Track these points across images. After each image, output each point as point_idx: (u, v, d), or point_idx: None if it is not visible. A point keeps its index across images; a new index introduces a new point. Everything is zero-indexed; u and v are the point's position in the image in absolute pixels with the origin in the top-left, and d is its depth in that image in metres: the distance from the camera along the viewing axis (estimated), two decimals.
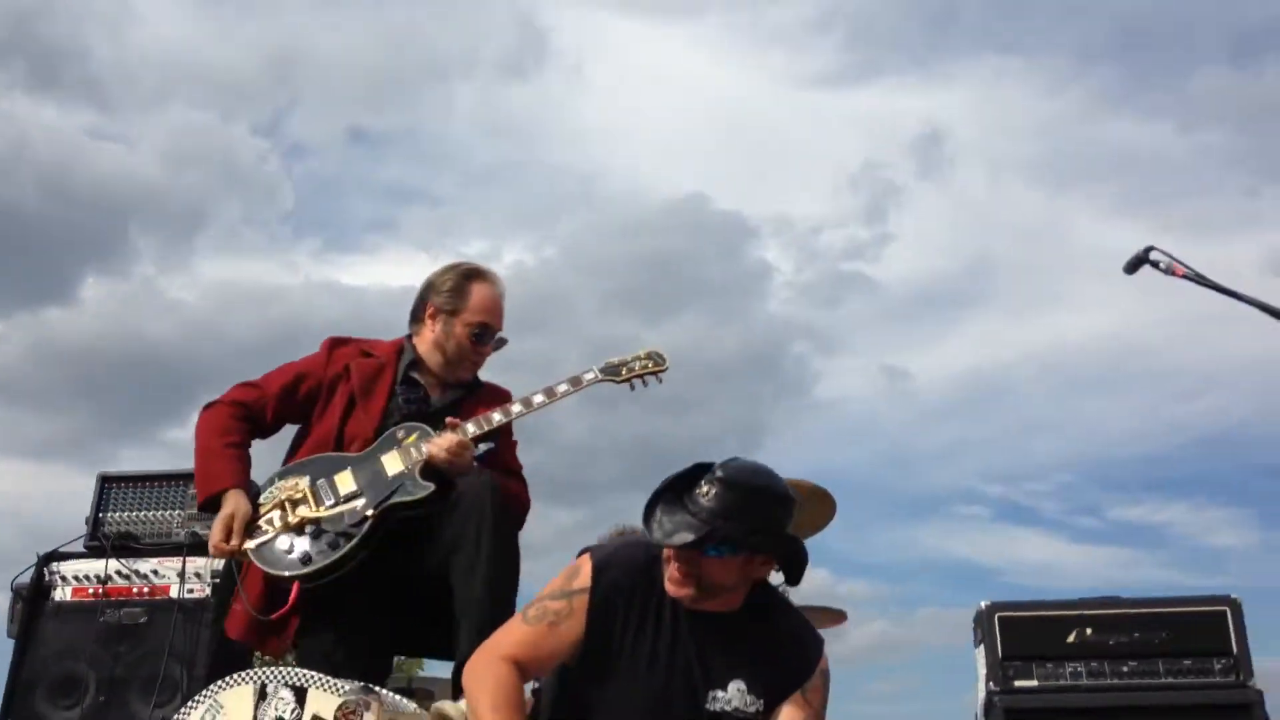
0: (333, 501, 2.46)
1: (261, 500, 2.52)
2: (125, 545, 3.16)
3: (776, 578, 2.10)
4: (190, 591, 3.09)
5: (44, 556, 3.14)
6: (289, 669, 1.94)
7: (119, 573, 3.11)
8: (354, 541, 2.39)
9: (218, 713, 1.92)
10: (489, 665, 1.86)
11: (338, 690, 1.90)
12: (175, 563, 3.12)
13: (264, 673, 1.93)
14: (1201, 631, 3.79)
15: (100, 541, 3.16)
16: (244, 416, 2.62)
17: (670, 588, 1.91)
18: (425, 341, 2.75)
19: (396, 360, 2.73)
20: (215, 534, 2.45)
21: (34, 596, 3.08)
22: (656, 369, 2.70)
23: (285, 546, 2.43)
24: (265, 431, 2.69)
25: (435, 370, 2.73)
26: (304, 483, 2.50)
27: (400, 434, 2.55)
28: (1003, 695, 3.60)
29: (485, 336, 2.74)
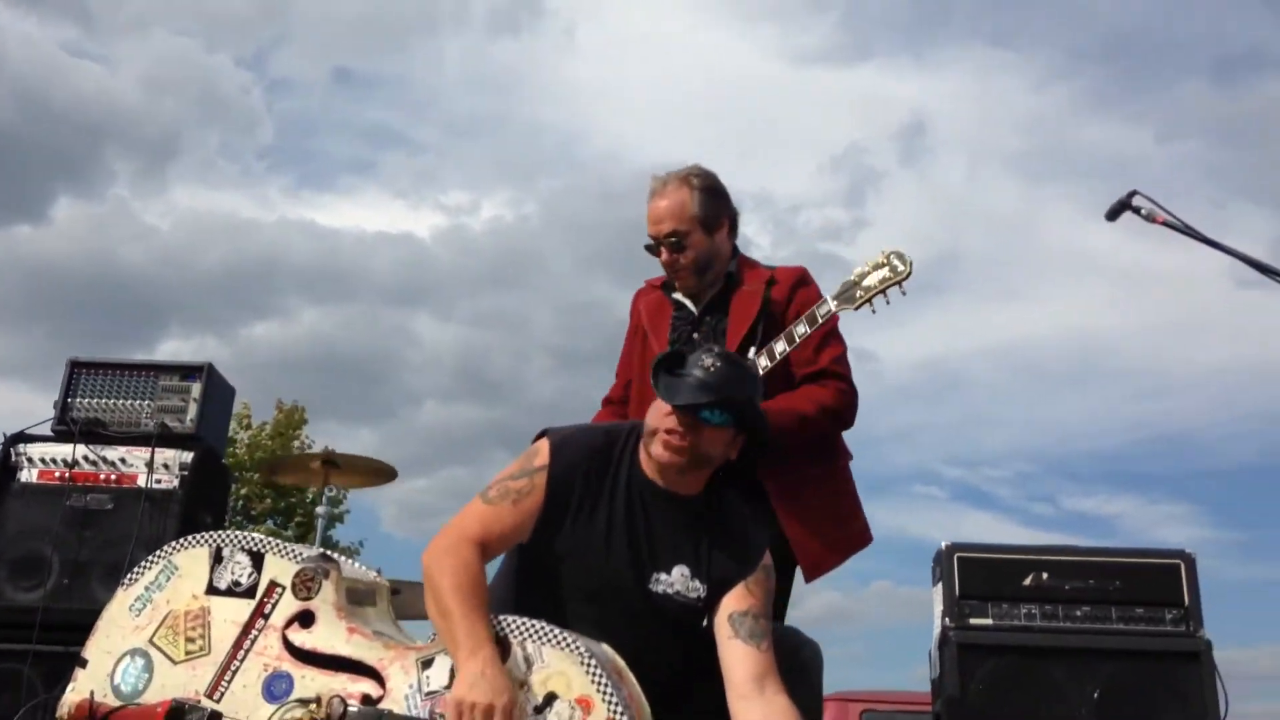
0: None
1: None
2: (93, 431, 3.16)
3: None
4: (158, 482, 3.11)
5: (10, 437, 3.14)
6: (245, 533, 1.95)
7: (86, 458, 3.12)
8: None
9: (173, 573, 1.93)
10: (452, 547, 1.87)
11: (295, 556, 1.91)
12: (143, 452, 3.13)
13: (220, 536, 1.94)
14: (1155, 583, 3.84)
15: (68, 426, 3.16)
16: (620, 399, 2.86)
17: (661, 451, 1.95)
18: None
19: (664, 288, 2.81)
20: None
21: None
22: (897, 279, 2.43)
23: None
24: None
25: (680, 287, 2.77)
26: None
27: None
28: (957, 631, 3.64)
29: (654, 249, 2.70)
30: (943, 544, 4.08)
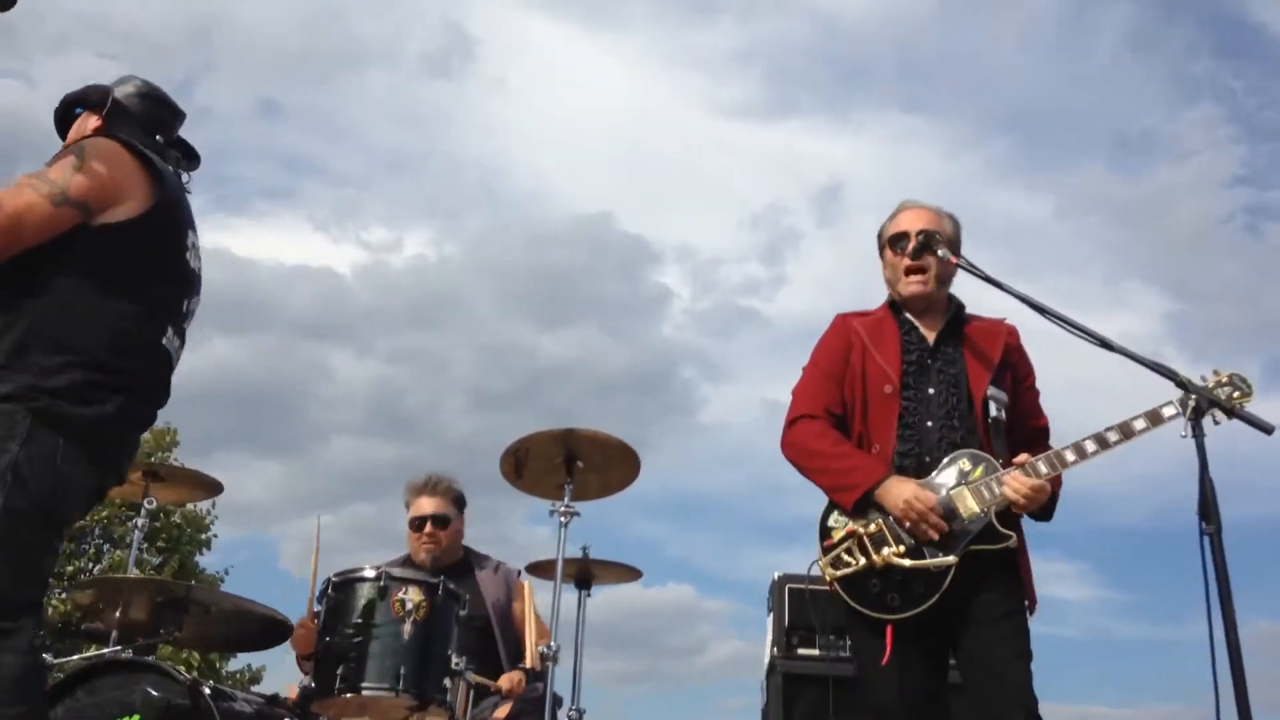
0: (913, 543, 2.50)
1: (832, 524, 2.59)
2: None
3: None
4: None
5: None
6: None
7: None
8: (941, 589, 2.46)
9: None
10: None
11: None
12: None
13: None
14: None
15: None
16: (831, 422, 2.72)
17: None
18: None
19: (889, 311, 2.82)
20: (927, 521, 2.48)
21: None
22: (1242, 398, 2.47)
23: (873, 586, 2.50)
24: (840, 415, 2.74)
25: (907, 307, 2.79)
26: (874, 512, 2.55)
27: (965, 464, 2.55)
28: (784, 660, 3.85)
29: (901, 242, 2.75)
30: (775, 574, 3.93)
